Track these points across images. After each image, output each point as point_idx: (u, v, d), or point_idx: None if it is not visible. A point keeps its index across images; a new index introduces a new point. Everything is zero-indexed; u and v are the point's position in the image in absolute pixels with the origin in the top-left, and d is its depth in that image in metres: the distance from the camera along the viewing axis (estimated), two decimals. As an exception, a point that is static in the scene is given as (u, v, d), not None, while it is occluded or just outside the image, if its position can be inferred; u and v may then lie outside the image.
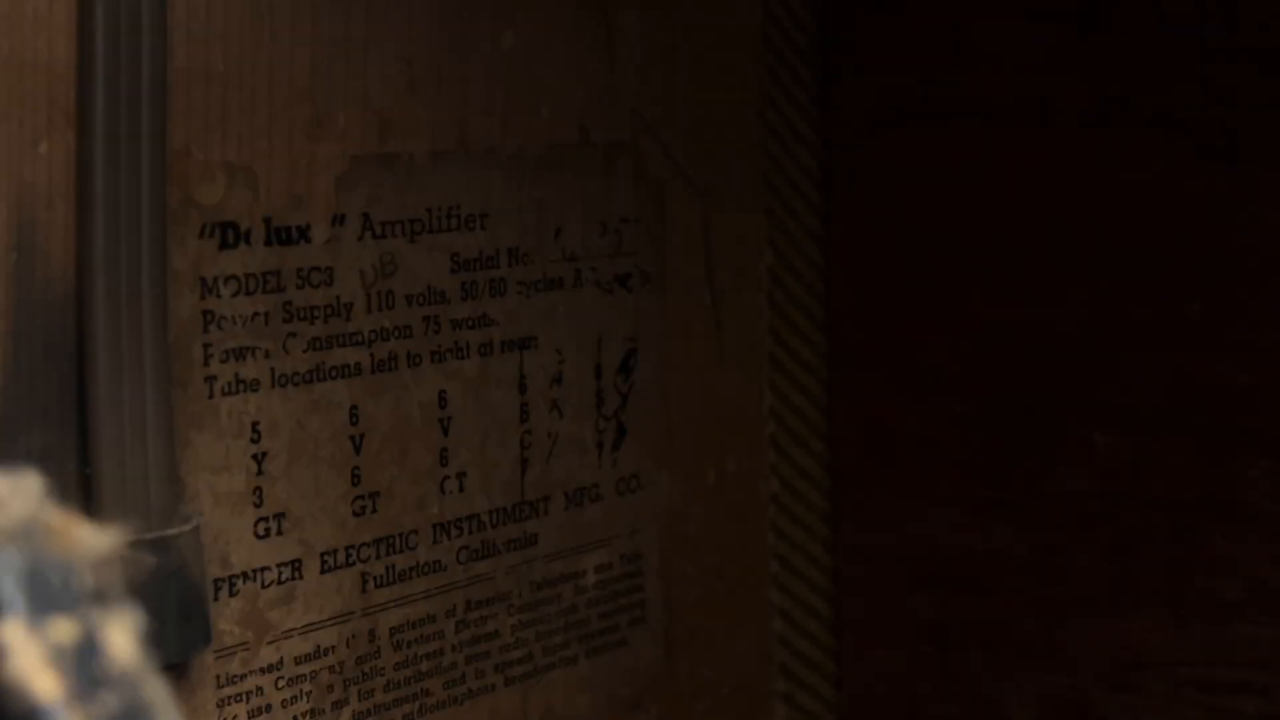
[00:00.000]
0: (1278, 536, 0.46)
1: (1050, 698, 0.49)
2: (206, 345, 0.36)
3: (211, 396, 0.36)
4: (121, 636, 0.21)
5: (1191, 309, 0.47)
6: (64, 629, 0.20)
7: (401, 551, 0.41)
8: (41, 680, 0.20)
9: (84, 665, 0.20)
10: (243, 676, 0.37)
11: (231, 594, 0.37)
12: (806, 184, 0.52)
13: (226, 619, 0.37)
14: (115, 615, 0.21)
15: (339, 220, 0.39)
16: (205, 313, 0.36)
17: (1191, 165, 0.47)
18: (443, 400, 0.41)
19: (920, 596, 0.51)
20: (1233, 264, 0.46)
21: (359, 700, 0.40)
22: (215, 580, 0.36)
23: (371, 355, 0.40)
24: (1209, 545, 0.47)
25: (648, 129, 0.47)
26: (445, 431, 0.42)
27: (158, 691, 0.21)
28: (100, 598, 0.21)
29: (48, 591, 0.20)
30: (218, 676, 0.37)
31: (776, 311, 0.51)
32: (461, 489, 0.42)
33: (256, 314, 0.37)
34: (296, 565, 0.38)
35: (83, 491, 0.33)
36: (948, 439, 0.50)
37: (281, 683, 0.38)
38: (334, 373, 0.39)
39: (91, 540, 0.21)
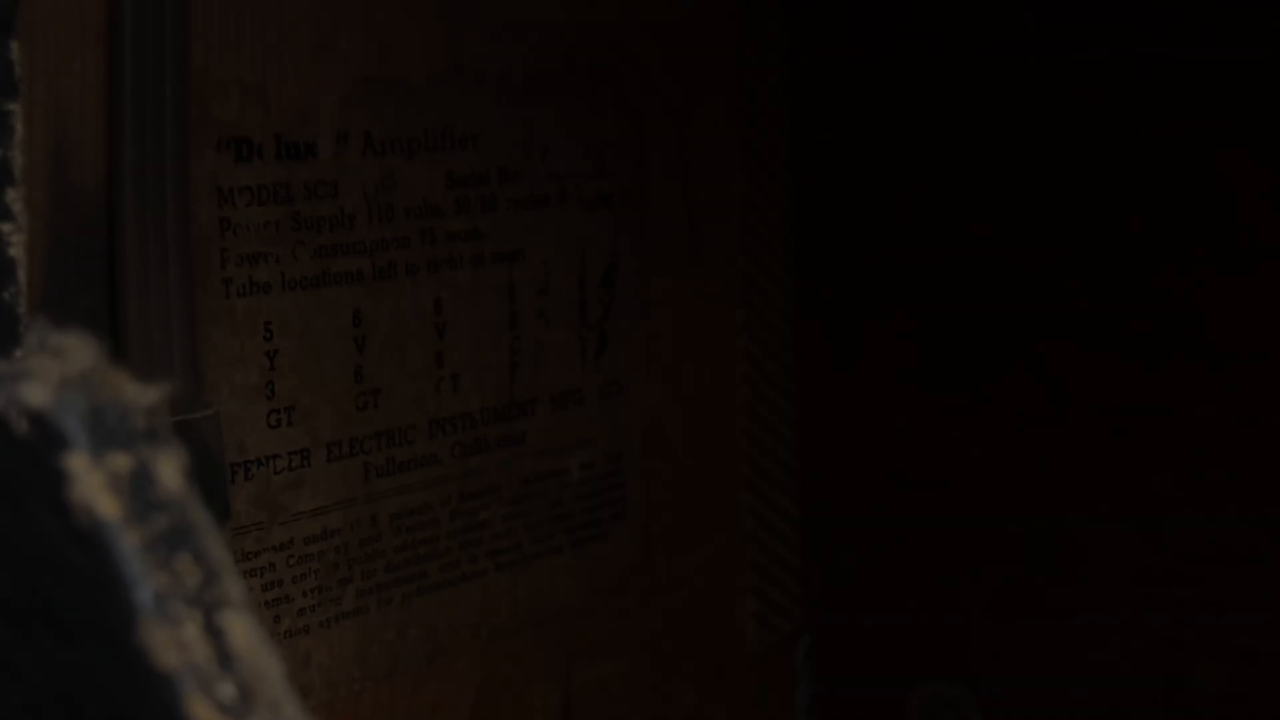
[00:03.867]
0: (1208, 438, 0.50)
1: (1001, 589, 0.53)
2: (223, 250, 0.40)
3: (228, 297, 0.40)
4: (170, 469, 0.24)
5: (1132, 225, 0.50)
6: (121, 461, 0.24)
7: (400, 445, 0.44)
8: (103, 502, 0.23)
9: (139, 491, 0.24)
10: (257, 553, 0.41)
11: (247, 478, 0.40)
12: (778, 111, 0.55)
13: (243, 500, 0.40)
14: (164, 452, 0.24)
15: (343, 138, 0.42)
16: (222, 220, 0.39)
17: (1135, 91, 0.50)
18: (438, 306, 0.45)
19: (882, 497, 0.55)
20: (1171, 183, 0.50)
21: (362, 579, 0.43)
22: (232, 465, 0.40)
23: (373, 263, 0.43)
24: (1146, 446, 0.50)
25: (628, 57, 0.50)
26: (440, 335, 0.45)
27: (201, 515, 0.24)
28: (151, 437, 0.24)
29: (106, 430, 0.24)
30: (234, 552, 0.40)
31: (749, 231, 0.55)
32: (455, 389, 0.45)
33: (268, 222, 0.40)
34: (305, 454, 0.42)
35: (113, 379, 0.37)
36: (907, 350, 0.54)
37: (292, 560, 0.42)
38: (338, 278, 0.42)
39: (140, 392, 0.25)
